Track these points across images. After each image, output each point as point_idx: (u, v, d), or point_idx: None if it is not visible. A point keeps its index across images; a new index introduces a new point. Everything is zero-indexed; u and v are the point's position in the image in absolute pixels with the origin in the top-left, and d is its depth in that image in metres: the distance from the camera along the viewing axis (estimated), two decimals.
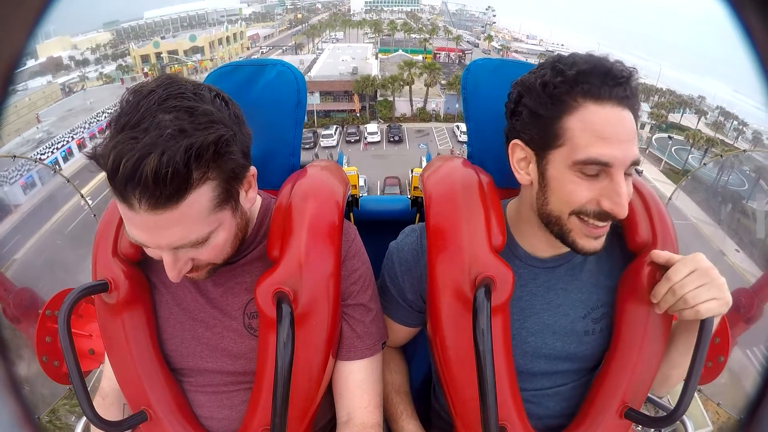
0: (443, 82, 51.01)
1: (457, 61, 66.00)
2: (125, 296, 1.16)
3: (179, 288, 1.21)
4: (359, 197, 1.96)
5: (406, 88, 49.42)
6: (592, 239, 1.10)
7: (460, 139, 41.48)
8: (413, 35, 76.87)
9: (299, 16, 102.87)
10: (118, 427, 1.12)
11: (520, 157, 1.15)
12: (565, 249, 1.18)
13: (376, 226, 1.83)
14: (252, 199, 1.09)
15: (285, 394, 0.99)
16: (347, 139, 43.74)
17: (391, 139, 43.50)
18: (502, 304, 1.13)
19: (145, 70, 59.91)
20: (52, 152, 37.46)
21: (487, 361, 0.99)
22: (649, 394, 1.24)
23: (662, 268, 1.13)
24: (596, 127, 1.02)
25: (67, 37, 64.67)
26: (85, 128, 41.79)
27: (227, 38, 72.83)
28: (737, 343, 1.81)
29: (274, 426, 0.99)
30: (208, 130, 0.89)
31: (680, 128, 46.03)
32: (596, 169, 1.03)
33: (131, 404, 1.20)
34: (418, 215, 1.99)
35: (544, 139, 1.08)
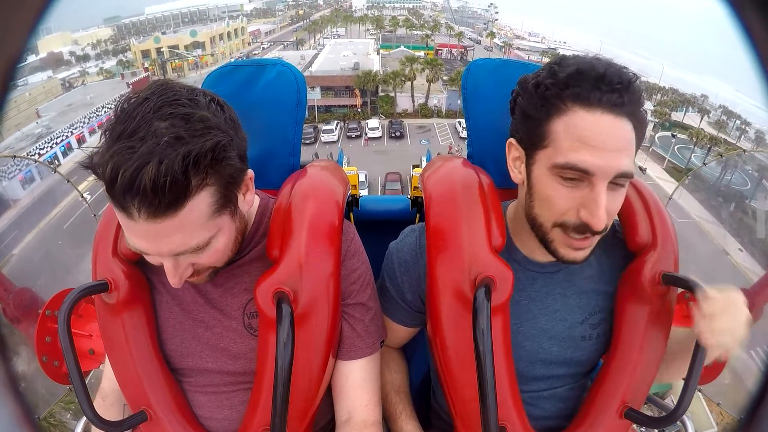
0: (445, 77, 50.94)
1: (459, 57, 66.02)
2: (125, 296, 1.16)
3: (179, 288, 1.21)
4: (359, 197, 1.96)
5: (408, 84, 49.37)
6: (574, 250, 1.09)
7: (462, 135, 41.41)
8: (415, 31, 76.85)
9: (301, 12, 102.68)
10: (118, 427, 1.12)
11: (514, 156, 1.15)
12: None
13: (376, 226, 1.83)
14: (250, 202, 1.09)
15: (285, 394, 0.99)
16: (348, 134, 43.75)
17: (393, 135, 43.51)
18: (502, 304, 1.13)
19: (146, 65, 59.90)
20: (51, 147, 37.49)
21: (487, 362, 0.99)
22: (649, 394, 1.24)
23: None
24: (580, 132, 0.99)
25: (67, 33, 64.60)
26: (84, 123, 41.78)
27: (228, 34, 72.76)
28: None
29: (274, 426, 0.99)
30: (204, 136, 0.89)
31: (683, 127, 45.96)
32: (575, 175, 1.01)
33: (131, 404, 1.20)
34: (418, 215, 1.99)
35: (531, 140, 1.08)
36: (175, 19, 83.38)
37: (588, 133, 0.98)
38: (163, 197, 0.85)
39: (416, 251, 1.30)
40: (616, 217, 1.18)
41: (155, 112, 0.87)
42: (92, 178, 0.89)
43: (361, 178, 29.45)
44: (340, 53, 61.12)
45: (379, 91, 50.05)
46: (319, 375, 1.16)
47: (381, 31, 79.80)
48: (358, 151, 39.85)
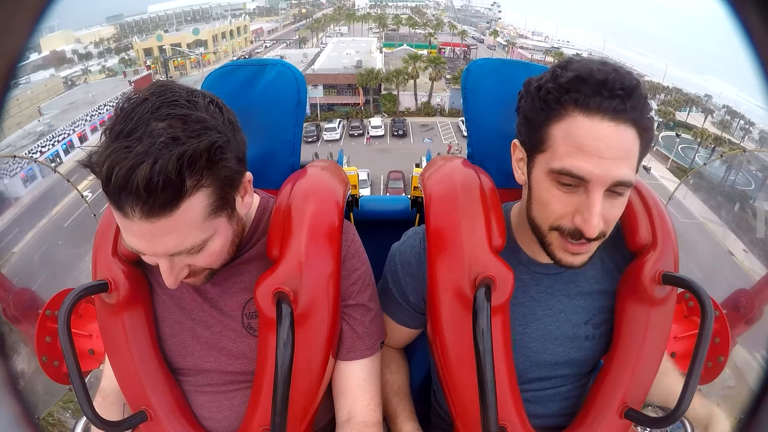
0: (448, 76, 50.87)
1: (462, 56, 65.92)
2: (125, 296, 1.16)
3: (177, 288, 1.21)
4: (359, 196, 1.96)
5: (411, 82, 49.25)
6: (570, 255, 1.08)
7: (465, 134, 41.32)
8: (418, 30, 76.74)
9: (304, 10, 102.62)
10: (118, 427, 1.12)
11: (518, 157, 1.15)
12: None
13: (376, 226, 1.84)
14: (248, 204, 1.09)
15: (285, 394, 0.99)
16: (351, 132, 43.59)
17: (395, 134, 43.35)
18: (502, 304, 1.13)
19: (148, 63, 59.91)
20: (53, 145, 37.44)
21: (487, 362, 0.99)
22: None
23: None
24: (578, 138, 0.98)
25: (70, 32, 64.58)
26: (86, 121, 41.75)
27: (231, 32, 72.69)
28: (737, 343, 1.81)
29: (274, 426, 0.99)
30: (201, 137, 0.89)
31: (687, 126, 45.88)
32: (572, 181, 1.00)
33: (131, 404, 1.20)
34: (418, 215, 1.99)
35: (532, 142, 1.08)
36: (178, 17, 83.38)
37: (585, 140, 0.98)
38: (157, 197, 0.86)
39: (420, 254, 1.30)
40: None
41: (153, 112, 0.88)
42: (92, 177, 0.89)
43: (364, 176, 29.38)
44: (343, 51, 61.08)
45: (382, 89, 49.94)
46: (319, 375, 1.16)
47: (384, 30, 79.67)
48: (361, 150, 39.80)
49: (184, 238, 0.95)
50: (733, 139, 42.90)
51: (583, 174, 0.98)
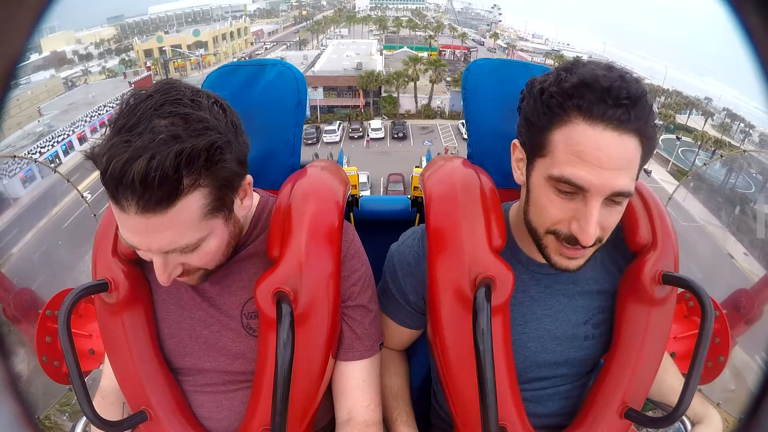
0: (448, 78, 50.89)
1: (463, 58, 65.99)
2: (125, 296, 1.16)
3: (177, 287, 1.21)
4: (359, 197, 1.96)
5: (411, 84, 49.26)
6: (566, 258, 1.08)
7: (465, 136, 41.28)
8: (418, 32, 76.86)
9: (304, 12, 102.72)
10: (118, 427, 1.12)
11: (518, 157, 1.15)
12: None
13: (376, 226, 1.84)
14: (247, 207, 1.09)
15: (285, 394, 0.99)
16: (351, 135, 43.54)
17: (395, 136, 43.34)
18: (502, 304, 1.13)
19: (148, 64, 59.94)
20: (53, 145, 37.40)
21: (487, 362, 0.99)
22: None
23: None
24: (579, 147, 0.97)
25: (71, 32, 64.63)
26: (86, 121, 41.71)
27: (231, 33, 72.74)
28: (737, 343, 1.81)
29: (274, 426, 0.99)
30: (201, 137, 0.90)
31: (687, 129, 45.93)
32: (570, 188, 0.99)
33: (131, 404, 1.20)
34: (418, 215, 1.99)
35: (532, 146, 1.07)
36: (179, 18, 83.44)
37: (586, 149, 0.96)
38: (153, 192, 0.86)
39: (419, 253, 1.30)
40: None
41: (156, 109, 0.89)
42: (92, 178, 0.90)
43: (363, 179, 29.36)
44: (343, 53, 61.14)
45: (382, 91, 49.92)
46: (319, 375, 1.16)
47: (384, 32, 79.78)
48: (361, 152, 39.79)
49: (178, 236, 0.95)
50: (733, 142, 42.95)
51: (582, 183, 0.97)
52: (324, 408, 1.27)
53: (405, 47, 64.85)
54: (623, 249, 1.24)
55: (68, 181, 2.49)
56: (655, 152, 1.05)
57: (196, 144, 0.88)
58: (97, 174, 0.90)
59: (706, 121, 48.17)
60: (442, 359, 1.20)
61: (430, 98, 50.09)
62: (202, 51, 65.33)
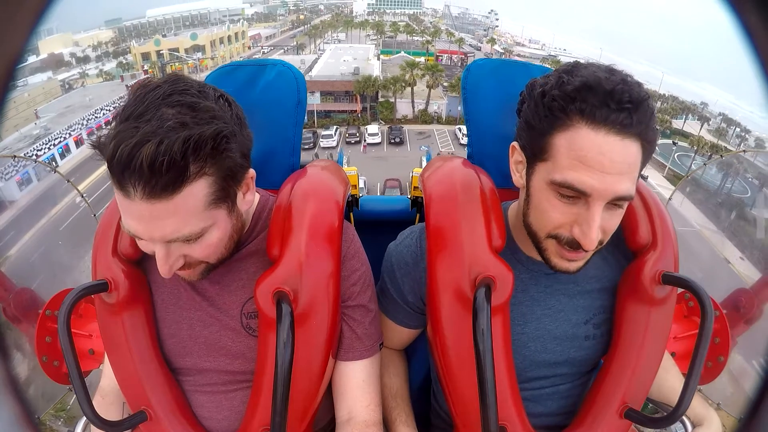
0: (445, 84, 50.95)
1: (460, 63, 66.08)
2: (125, 296, 1.16)
3: (176, 286, 1.21)
4: (359, 197, 1.97)
5: (408, 89, 49.29)
6: (566, 261, 1.09)
7: (462, 141, 41.28)
8: (415, 37, 77.05)
9: (302, 16, 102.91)
10: (118, 427, 1.11)
11: (517, 159, 1.15)
12: None
13: (376, 226, 1.84)
14: (249, 202, 1.10)
15: (285, 394, 0.99)
16: (348, 140, 43.46)
17: (392, 141, 43.29)
18: (502, 304, 1.13)
19: (146, 67, 59.91)
20: (49, 149, 37.26)
21: (487, 361, 0.99)
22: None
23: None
24: (582, 152, 0.96)
25: (69, 35, 64.60)
26: (82, 125, 41.60)
27: (229, 37, 72.88)
28: (737, 343, 1.81)
29: (274, 426, 0.99)
30: (208, 125, 0.91)
31: (683, 134, 46.05)
32: (572, 193, 0.99)
33: (131, 404, 1.20)
34: (418, 215, 1.99)
35: (533, 150, 1.06)
36: (176, 22, 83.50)
37: (589, 154, 0.96)
38: (160, 177, 0.87)
39: (417, 253, 1.30)
40: None
41: (164, 98, 0.90)
42: (91, 180, 0.90)
43: (360, 184, 29.33)
44: (341, 58, 61.14)
45: (379, 96, 49.92)
46: (319, 375, 1.16)
47: (381, 37, 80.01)
48: (358, 157, 39.70)
49: (182, 224, 0.95)
50: (729, 147, 43.06)
51: (585, 188, 0.97)
52: (324, 408, 1.27)
53: (402, 52, 65.07)
54: (624, 248, 1.24)
55: (68, 181, 2.49)
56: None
57: (203, 131, 0.89)
58: (95, 177, 0.90)
59: (702, 126, 48.32)
60: (442, 359, 1.20)
61: (427, 103, 50.11)
62: (199, 55, 65.37)
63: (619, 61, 1.07)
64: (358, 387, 1.23)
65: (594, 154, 0.95)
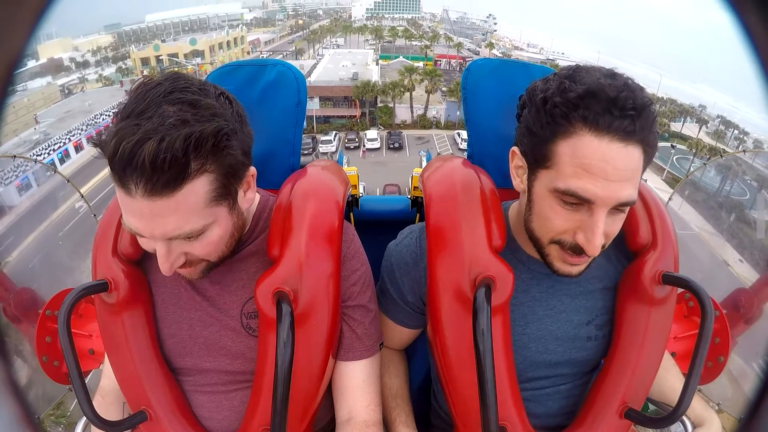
0: (444, 88, 51.00)
1: (458, 68, 66.19)
2: (125, 296, 1.16)
3: (176, 286, 1.21)
4: (359, 197, 1.97)
5: (407, 94, 49.32)
6: (569, 265, 1.09)
7: (461, 146, 41.30)
8: (414, 42, 77.21)
9: (301, 22, 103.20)
10: (118, 427, 1.11)
11: (517, 164, 1.14)
12: None
13: (376, 226, 1.83)
14: (250, 200, 1.10)
15: (285, 394, 0.99)
16: (347, 145, 43.39)
17: (391, 146, 43.32)
18: (502, 304, 1.13)
19: (145, 72, 60.02)
20: (49, 154, 37.19)
21: (487, 361, 0.99)
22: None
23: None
24: (585, 160, 0.96)
25: (68, 39, 64.80)
26: (82, 130, 41.57)
27: (228, 42, 73.11)
28: (737, 343, 1.81)
29: (274, 426, 0.99)
30: (209, 122, 0.91)
31: (682, 137, 46.13)
32: (576, 200, 0.98)
33: (131, 404, 1.20)
34: (418, 215, 1.99)
35: (535, 156, 1.05)
36: (175, 27, 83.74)
37: (593, 161, 0.95)
38: (161, 175, 0.87)
39: (416, 253, 1.29)
40: None
41: (165, 96, 0.91)
42: (91, 182, 0.90)
43: (360, 189, 29.31)
44: (339, 63, 61.24)
45: (378, 101, 49.93)
46: (319, 375, 1.16)
47: (380, 42, 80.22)
48: (357, 163, 39.68)
49: (183, 221, 0.95)
50: (727, 149, 43.17)
51: (589, 196, 0.96)
52: (324, 408, 1.27)
53: (401, 57, 65.02)
54: (625, 248, 1.24)
55: (68, 182, 2.49)
56: None
57: (204, 129, 0.89)
58: (94, 182, 0.90)
59: (700, 128, 48.43)
60: (442, 359, 1.20)
61: (426, 108, 50.14)
62: (198, 60, 65.54)
63: (617, 64, 1.06)
64: (358, 387, 1.23)
65: (597, 161, 0.95)
